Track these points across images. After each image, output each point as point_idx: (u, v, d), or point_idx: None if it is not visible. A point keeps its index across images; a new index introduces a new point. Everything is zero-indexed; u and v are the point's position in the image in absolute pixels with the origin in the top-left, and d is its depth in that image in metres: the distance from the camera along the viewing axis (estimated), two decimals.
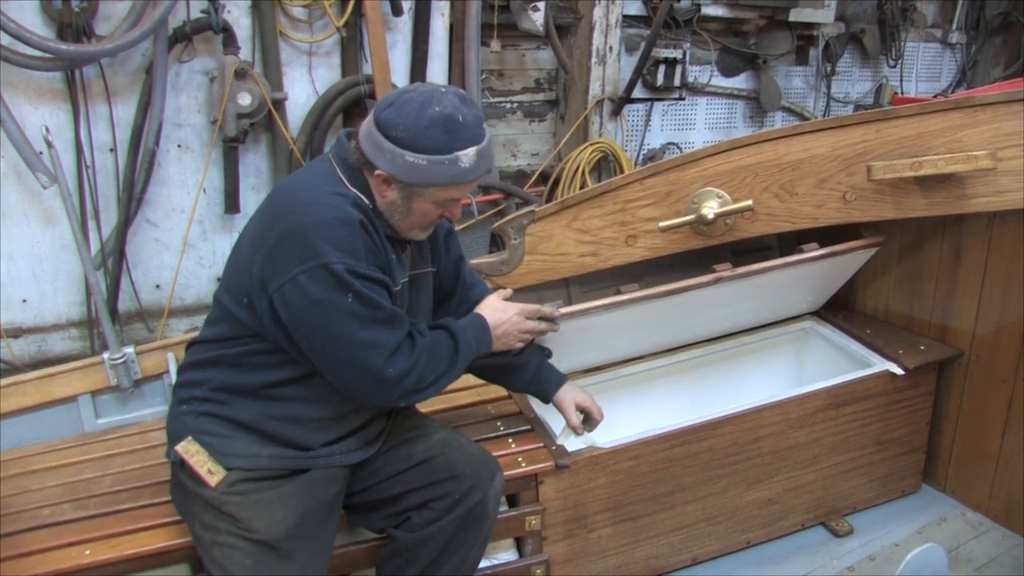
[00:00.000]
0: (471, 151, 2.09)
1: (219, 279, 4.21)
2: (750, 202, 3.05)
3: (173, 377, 3.10)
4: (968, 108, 2.95)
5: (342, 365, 2.11)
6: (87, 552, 2.32)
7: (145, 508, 2.52)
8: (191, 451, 2.20)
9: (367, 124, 2.14)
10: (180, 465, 2.22)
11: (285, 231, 2.07)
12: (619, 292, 2.93)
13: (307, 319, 2.06)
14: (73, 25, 3.51)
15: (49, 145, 3.40)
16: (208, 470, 2.18)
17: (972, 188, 3.01)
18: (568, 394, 2.68)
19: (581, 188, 4.71)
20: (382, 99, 2.15)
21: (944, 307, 3.39)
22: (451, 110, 2.06)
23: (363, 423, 2.37)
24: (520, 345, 2.56)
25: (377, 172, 2.11)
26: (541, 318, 2.58)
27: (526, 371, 2.68)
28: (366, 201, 2.16)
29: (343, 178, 2.17)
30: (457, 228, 4.50)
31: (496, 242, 3.20)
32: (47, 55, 3.41)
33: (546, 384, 2.69)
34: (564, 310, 2.72)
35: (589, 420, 2.71)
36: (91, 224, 3.84)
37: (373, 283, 2.10)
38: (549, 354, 2.78)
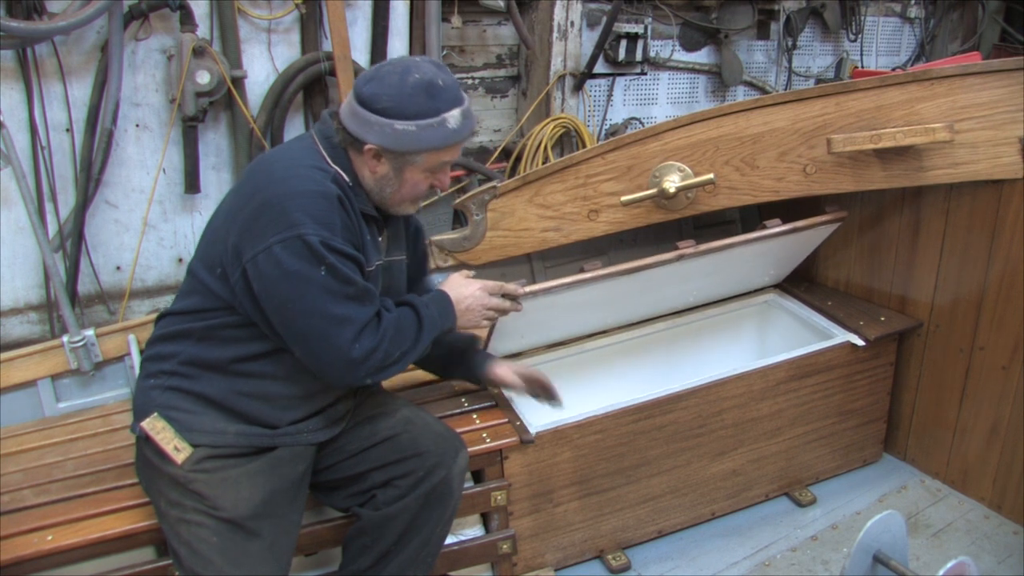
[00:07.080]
0: (456, 112, 2.15)
1: (180, 260, 4.20)
2: (711, 175, 3.07)
3: (135, 359, 3.07)
4: (925, 81, 2.98)
5: (310, 339, 2.11)
6: (49, 537, 2.29)
7: (108, 491, 2.49)
8: (157, 427, 2.18)
9: (348, 103, 2.17)
10: (145, 440, 2.21)
11: (262, 201, 2.08)
12: (582, 270, 2.94)
13: (279, 290, 2.06)
14: (23, 1, 3.43)
15: (1, 125, 3.33)
16: (174, 447, 2.17)
17: (930, 160, 3.05)
18: (500, 365, 2.77)
19: (543, 164, 4.70)
20: (360, 77, 2.19)
21: (904, 279, 3.43)
22: (430, 76, 2.12)
23: (331, 402, 2.37)
24: (485, 323, 2.58)
25: (367, 147, 2.14)
26: (505, 295, 2.59)
27: (456, 356, 2.78)
28: (346, 179, 2.18)
29: (325, 155, 2.19)
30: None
31: (459, 218, 3.20)
32: None
33: (476, 364, 2.77)
34: (528, 288, 2.72)
35: (544, 391, 2.76)
36: (48, 206, 3.77)
37: (346, 258, 2.11)
38: (478, 341, 2.85)
